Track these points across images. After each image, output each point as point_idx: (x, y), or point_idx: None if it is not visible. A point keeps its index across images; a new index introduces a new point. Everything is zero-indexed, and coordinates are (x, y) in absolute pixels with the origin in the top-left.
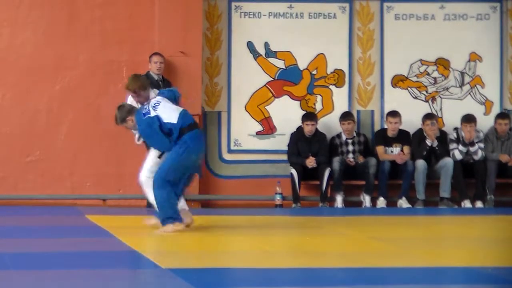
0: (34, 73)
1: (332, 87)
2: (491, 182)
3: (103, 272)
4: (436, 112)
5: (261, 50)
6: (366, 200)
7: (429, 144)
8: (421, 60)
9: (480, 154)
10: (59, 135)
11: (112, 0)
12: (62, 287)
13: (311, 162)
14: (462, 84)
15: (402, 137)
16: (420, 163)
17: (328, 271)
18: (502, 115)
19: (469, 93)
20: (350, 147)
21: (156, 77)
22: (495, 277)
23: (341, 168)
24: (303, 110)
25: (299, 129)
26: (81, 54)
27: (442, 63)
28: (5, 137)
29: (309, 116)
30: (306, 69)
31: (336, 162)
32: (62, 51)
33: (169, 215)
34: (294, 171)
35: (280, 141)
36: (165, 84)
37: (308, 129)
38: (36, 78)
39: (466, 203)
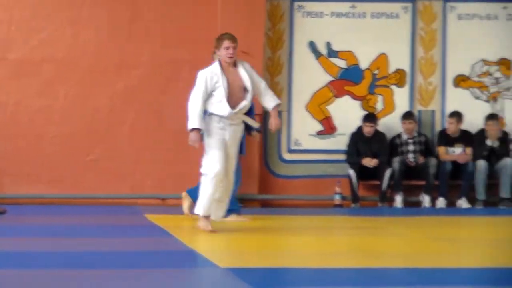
0: (96, 72)
1: (394, 87)
2: None
3: (161, 272)
4: (498, 112)
5: (322, 50)
6: (426, 200)
7: (490, 144)
8: (483, 60)
9: None
10: (121, 134)
11: (174, 1)
12: (119, 286)
13: (369, 161)
14: None
15: (464, 137)
16: (481, 164)
17: (387, 271)
18: None
19: None
20: (411, 147)
21: None
22: None
23: (401, 168)
24: (364, 110)
25: (359, 129)
26: (143, 54)
27: (504, 64)
28: (66, 136)
29: (369, 117)
30: (368, 69)
31: (396, 162)
32: (124, 50)
33: None
34: (352, 171)
35: (341, 141)
36: None
37: (367, 130)
38: (98, 77)
39: None
